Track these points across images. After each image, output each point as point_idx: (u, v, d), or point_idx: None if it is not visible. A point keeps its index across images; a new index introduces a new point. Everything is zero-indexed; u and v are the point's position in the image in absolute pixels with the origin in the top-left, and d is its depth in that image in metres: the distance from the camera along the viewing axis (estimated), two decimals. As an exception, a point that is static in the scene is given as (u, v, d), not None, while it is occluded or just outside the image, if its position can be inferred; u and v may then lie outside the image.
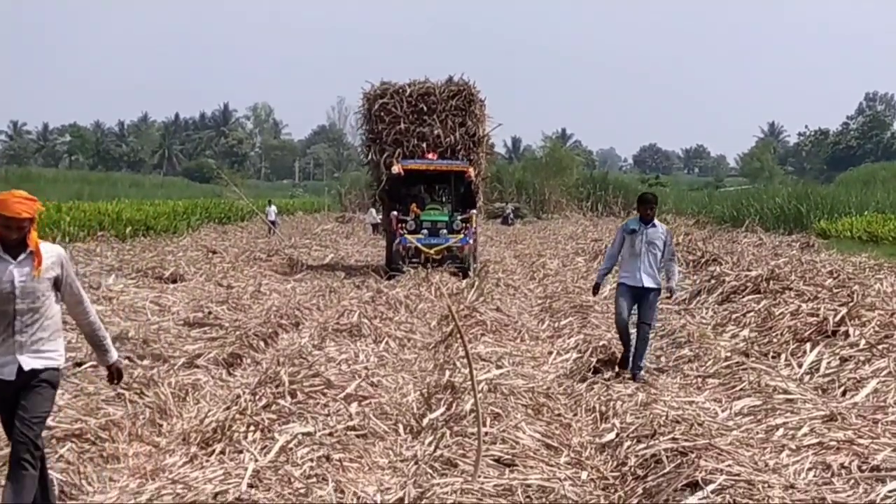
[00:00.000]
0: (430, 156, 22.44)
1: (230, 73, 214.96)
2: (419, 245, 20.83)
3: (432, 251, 20.74)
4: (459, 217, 21.50)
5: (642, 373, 9.77)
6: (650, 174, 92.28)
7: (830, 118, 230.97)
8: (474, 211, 21.88)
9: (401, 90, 23.31)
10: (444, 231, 21.24)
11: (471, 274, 20.47)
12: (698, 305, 14.96)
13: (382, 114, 23.17)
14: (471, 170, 21.85)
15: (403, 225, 21.22)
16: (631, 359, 9.86)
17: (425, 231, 21.21)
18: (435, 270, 19.56)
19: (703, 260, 19.83)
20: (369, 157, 23.76)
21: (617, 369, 10.00)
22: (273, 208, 38.22)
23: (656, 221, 10.04)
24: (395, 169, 21.55)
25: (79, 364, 10.13)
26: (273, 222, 36.98)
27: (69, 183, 63.60)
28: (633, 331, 10.07)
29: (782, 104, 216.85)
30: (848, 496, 6.10)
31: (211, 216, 42.56)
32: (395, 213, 21.54)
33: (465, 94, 23.19)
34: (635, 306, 9.98)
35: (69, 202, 35.45)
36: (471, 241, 21.29)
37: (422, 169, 21.92)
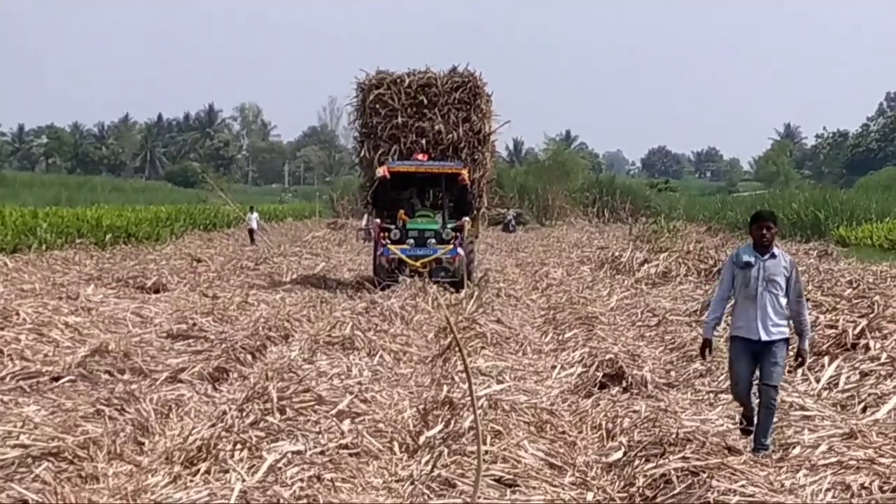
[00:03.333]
0: (419, 156, 21.46)
1: (216, 71, 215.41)
2: (403, 256, 19.88)
3: (418, 263, 19.75)
4: (450, 226, 20.57)
5: (769, 450, 7.67)
6: (659, 178, 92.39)
7: (849, 119, 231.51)
8: (467, 218, 20.85)
9: (399, 80, 22.28)
10: (433, 241, 20.26)
11: (465, 287, 19.54)
12: (710, 317, 14.94)
13: (378, 106, 22.20)
14: (465, 172, 20.83)
15: (387, 234, 20.28)
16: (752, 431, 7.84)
17: (411, 241, 20.26)
18: (432, 280, 19.35)
19: (715, 269, 19.83)
20: (362, 153, 22.71)
21: (741, 436, 8.01)
22: (255, 216, 38.18)
23: (776, 249, 7.88)
24: (380, 172, 20.54)
25: (56, 378, 10.16)
26: (253, 230, 36.97)
27: (46, 187, 63.63)
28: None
29: (799, 105, 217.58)
30: (868, 518, 6.11)
31: (195, 223, 42.58)
32: (377, 220, 20.66)
33: (469, 87, 22.26)
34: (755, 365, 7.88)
35: (46, 208, 35.49)
36: (461, 252, 20.18)
37: (410, 171, 20.87)
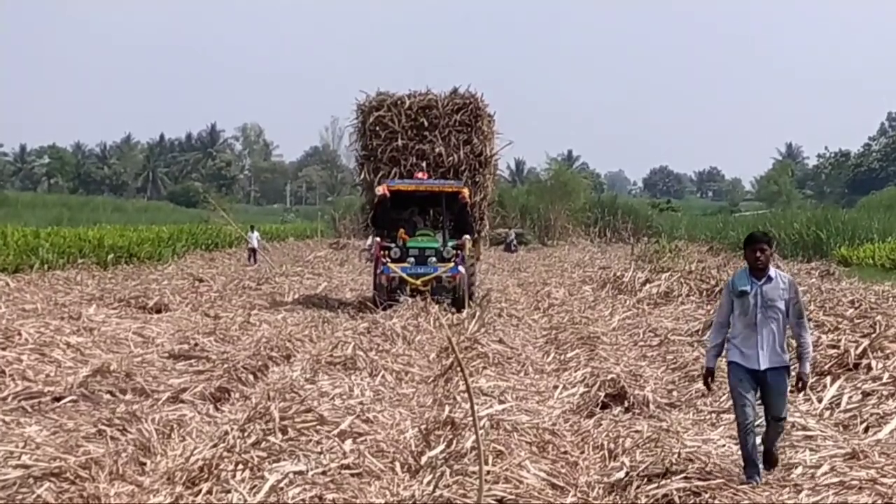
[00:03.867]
0: (420, 175, 21.37)
1: (218, 91, 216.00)
2: (403, 275, 19.87)
3: (418, 282, 19.77)
4: (451, 244, 20.50)
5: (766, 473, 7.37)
6: (661, 198, 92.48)
7: (851, 139, 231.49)
8: (468, 237, 20.80)
9: (399, 102, 22.23)
10: (434, 259, 20.20)
11: (466, 307, 19.63)
12: (712, 337, 14.95)
13: (378, 128, 22.10)
14: (465, 191, 20.80)
15: (387, 253, 20.25)
16: (759, 455, 7.41)
17: (412, 259, 20.18)
18: (432, 298, 19.35)
19: (717, 289, 19.83)
20: (362, 175, 22.70)
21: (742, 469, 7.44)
22: (256, 234, 38.29)
23: (773, 271, 7.56)
24: (380, 190, 20.52)
25: (57, 399, 10.17)
26: (253, 249, 37.07)
27: (48, 207, 63.78)
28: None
29: (800, 125, 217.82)
30: (871, 539, 6.10)
31: (197, 242, 42.61)
32: (377, 239, 20.58)
33: (471, 109, 22.16)
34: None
35: (48, 228, 35.55)
36: (462, 271, 20.16)
37: (410, 190, 20.83)
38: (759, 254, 7.46)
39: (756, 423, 7.38)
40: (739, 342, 7.47)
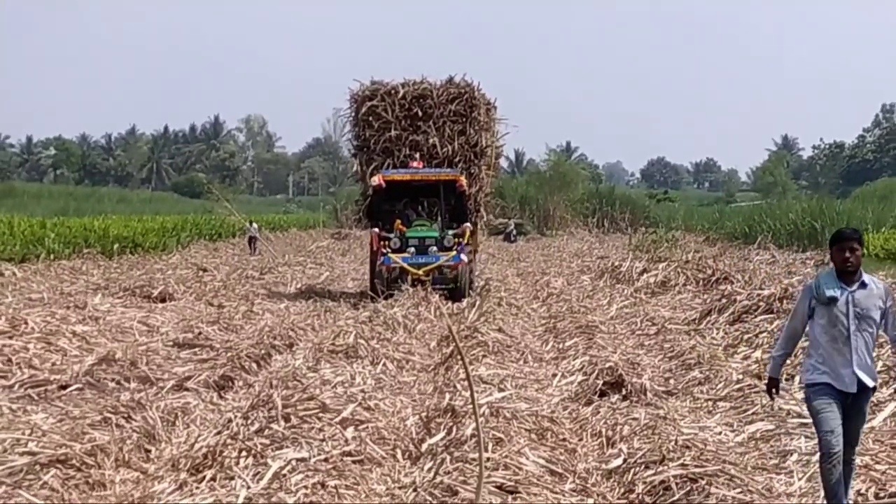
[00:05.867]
0: (415, 164, 20.85)
1: (221, 83, 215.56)
2: (405, 265, 19.52)
3: (420, 271, 19.36)
4: (451, 232, 20.19)
5: None
6: (658, 189, 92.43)
7: (846, 131, 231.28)
8: (467, 225, 20.44)
9: (393, 91, 21.58)
10: (434, 248, 19.89)
11: (466, 296, 19.49)
12: (708, 326, 14.98)
13: (371, 118, 21.48)
14: (462, 178, 20.32)
15: (387, 243, 19.95)
16: (847, 493, 6.32)
17: (412, 249, 19.84)
18: (433, 288, 19.28)
19: (713, 278, 19.82)
20: (355, 167, 22.25)
21: None
22: (254, 225, 38.51)
23: (866, 276, 6.33)
24: (375, 180, 20.08)
25: (63, 387, 10.18)
26: (251, 239, 37.19)
27: (54, 198, 63.79)
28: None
29: (796, 116, 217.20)
30: (865, 524, 6.08)
31: (201, 233, 42.64)
32: (375, 229, 20.25)
33: (466, 98, 21.57)
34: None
35: (54, 218, 35.57)
36: (464, 259, 19.89)
37: (406, 180, 20.38)
38: (848, 254, 6.21)
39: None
40: (825, 359, 6.24)
